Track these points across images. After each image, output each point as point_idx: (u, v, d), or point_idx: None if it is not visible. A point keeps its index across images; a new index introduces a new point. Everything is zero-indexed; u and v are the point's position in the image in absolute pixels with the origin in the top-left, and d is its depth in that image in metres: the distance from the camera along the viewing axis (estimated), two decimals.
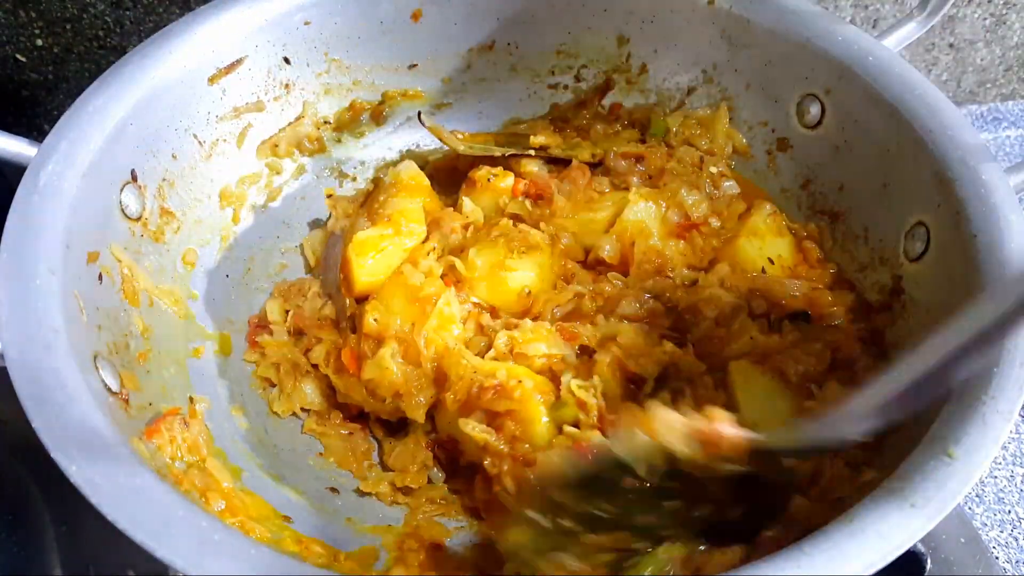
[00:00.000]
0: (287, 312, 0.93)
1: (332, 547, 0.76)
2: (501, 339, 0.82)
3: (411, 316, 0.83)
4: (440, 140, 1.02)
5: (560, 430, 0.77)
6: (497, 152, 1.01)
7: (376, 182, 1.01)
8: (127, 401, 0.70)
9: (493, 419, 0.78)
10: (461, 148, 1.01)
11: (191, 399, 0.83)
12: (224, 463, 0.79)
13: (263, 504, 0.77)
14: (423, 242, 0.90)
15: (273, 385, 0.90)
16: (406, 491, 0.84)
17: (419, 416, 0.83)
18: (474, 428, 0.78)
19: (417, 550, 0.78)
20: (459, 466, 0.84)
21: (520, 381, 0.78)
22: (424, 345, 0.82)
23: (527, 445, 0.76)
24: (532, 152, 1.01)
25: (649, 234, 0.91)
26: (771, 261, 0.89)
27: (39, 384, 0.61)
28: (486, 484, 0.79)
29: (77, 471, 0.56)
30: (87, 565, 0.81)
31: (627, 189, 0.95)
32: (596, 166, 1.01)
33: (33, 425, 0.58)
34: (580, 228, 0.94)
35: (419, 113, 1.01)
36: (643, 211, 0.92)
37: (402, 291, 0.84)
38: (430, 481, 0.85)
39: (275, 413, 0.89)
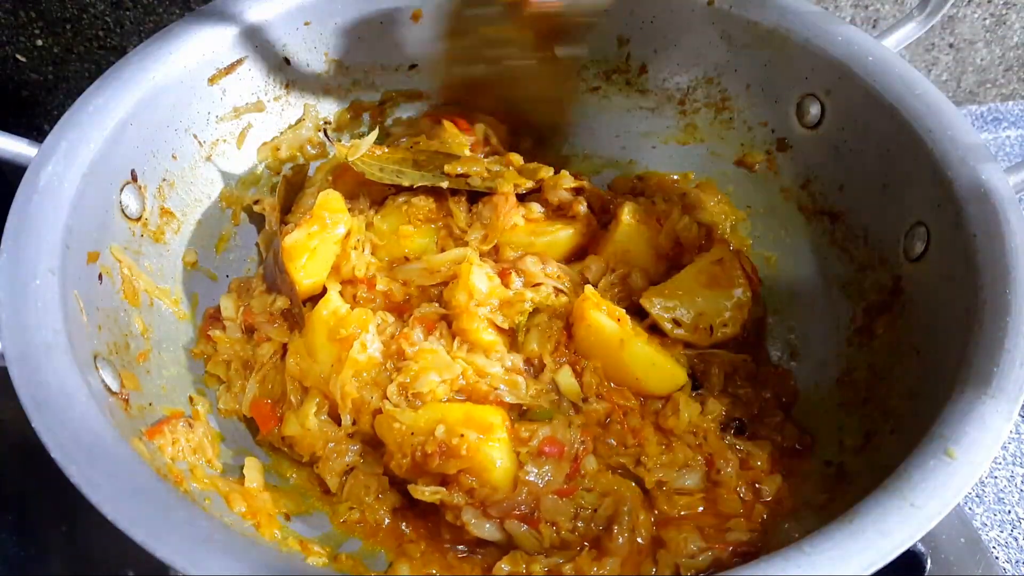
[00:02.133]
0: (240, 309, 0.90)
1: (332, 547, 0.76)
2: (391, 389, 0.79)
3: (331, 356, 0.81)
4: (351, 164, 0.93)
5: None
6: (407, 182, 0.93)
7: (291, 175, 0.98)
8: (127, 401, 0.70)
9: (446, 476, 0.75)
10: (376, 175, 0.93)
11: (191, 399, 0.83)
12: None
13: (276, 503, 0.77)
14: (346, 236, 0.89)
15: (223, 382, 0.88)
16: (372, 530, 0.79)
17: (334, 485, 0.80)
18: (424, 493, 0.75)
19: (417, 540, 0.78)
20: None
21: (463, 435, 0.74)
22: (340, 397, 0.79)
23: (488, 489, 0.74)
24: (445, 184, 0.93)
25: (637, 257, 0.93)
26: (677, 324, 0.88)
27: (39, 384, 0.61)
28: (449, 526, 0.77)
29: (77, 471, 0.56)
30: (87, 565, 0.81)
31: (573, 218, 0.95)
32: (531, 192, 0.97)
33: (33, 425, 0.58)
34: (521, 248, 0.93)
35: (324, 130, 0.97)
36: (634, 232, 0.93)
37: (323, 328, 0.81)
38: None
39: (220, 411, 0.86)
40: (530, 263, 0.90)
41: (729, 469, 0.79)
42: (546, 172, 0.97)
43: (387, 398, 0.79)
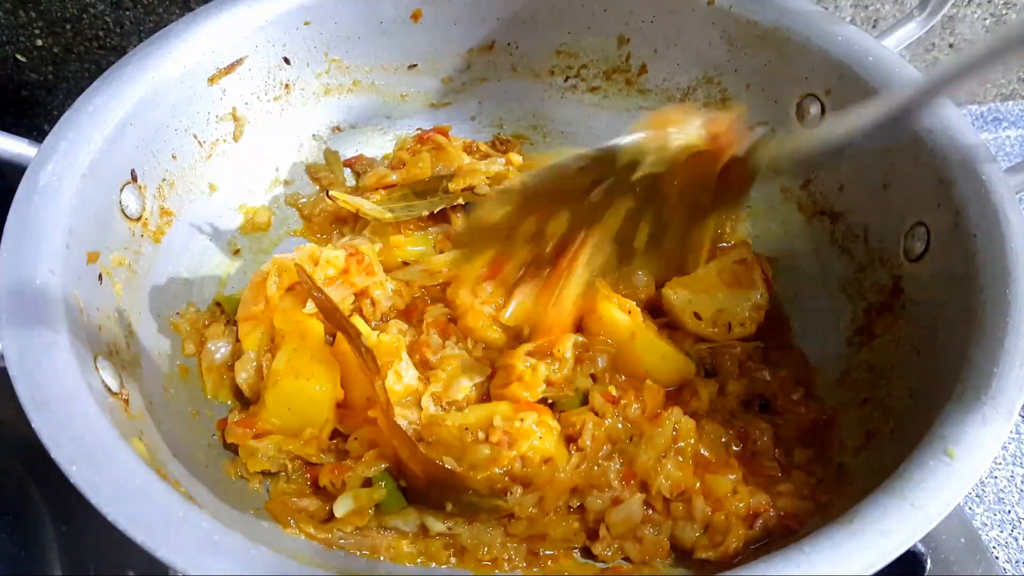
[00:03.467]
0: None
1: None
2: (426, 401, 0.78)
3: (366, 390, 0.77)
4: (361, 215, 0.93)
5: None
6: (425, 211, 0.93)
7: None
8: (127, 401, 0.70)
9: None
10: (388, 216, 0.93)
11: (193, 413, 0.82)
12: None
13: None
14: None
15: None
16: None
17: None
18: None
19: None
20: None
21: (523, 418, 0.75)
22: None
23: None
24: (461, 201, 0.94)
25: None
26: (697, 317, 0.88)
27: (39, 384, 0.61)
28: None
29: (77, 471, 0.56)
30: (87, 565, 0.81)
31: None
32: None
33: (33, 425, 0.58)
34: None
35: (327, 192, 0.94)
36: None
37: (354, 362, 0.78)
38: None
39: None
40: None
41: (765, 439, 0.80)
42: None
43: (421, 409, 0.79)
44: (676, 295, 0.88)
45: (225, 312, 0.90)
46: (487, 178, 0.95)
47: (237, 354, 0.84)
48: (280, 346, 0.79)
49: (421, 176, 0.97)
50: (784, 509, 0.74)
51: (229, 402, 0.85)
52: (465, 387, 0.80)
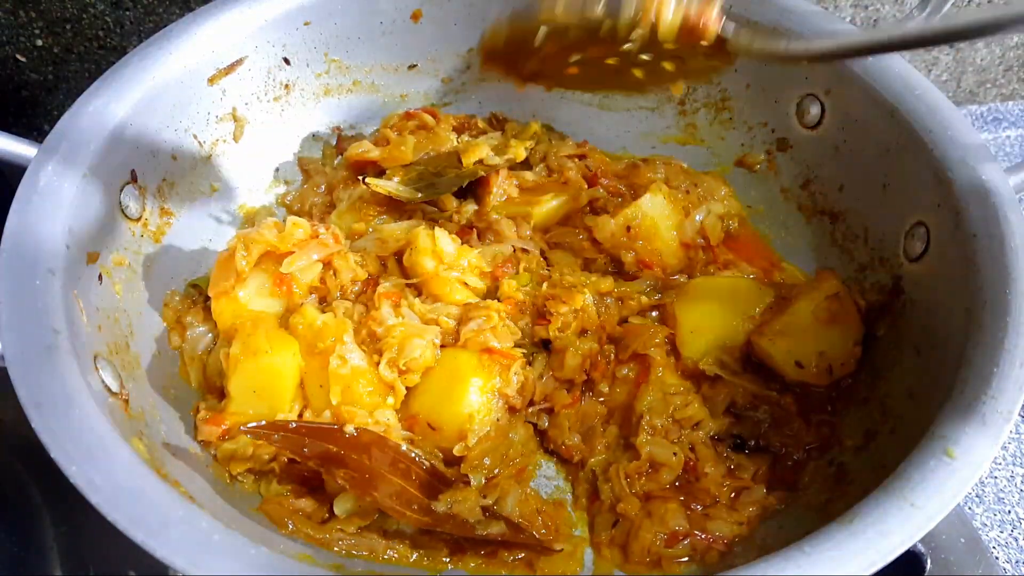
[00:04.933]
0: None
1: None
2: (383, 368, 0.77)
3: (316, 373, 0.77)
4: (392, 196, 0.92)
5: None
6: (454, 187, 0.93)
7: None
8: (127, 401, 0.70)
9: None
10: (418, 197, 0.92)
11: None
12: None
13: None
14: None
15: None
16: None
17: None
18: None
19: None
20: None
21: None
22: (346, 419, 0.75)
23: None
24: (482, 173, 0.93)
25: (660, 236, 0.92)
26: (799, 366, 0.81)
27: (39, 384, 0.61)
28: None
29: (77, 471, 0.56)
30: (87, 565, 0.81)
31: (565, 184, 0.96)
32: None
33: (33, 425, 0.58)
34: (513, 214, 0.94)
35: (362, 177, 0.93)
36: (660, 206, 0.92)
37: (303, 343, 0.78)
38: None
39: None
40: (504, 226, 0.91)
41: (710, 470, 0.78)
42: (536, 125, 1.00)
43: (381, 376, 0.77)
44: (774, 344, 0.81)
45: (203, 293, 0.87)
46: (491, 150, 0.95)
47: (215, 340, 0.83)
48: (234, 336, 0.77)
49: (403, 160, 0.96)
50: (713, 532, 0.74)
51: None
52: (419, 345, 0.77)
